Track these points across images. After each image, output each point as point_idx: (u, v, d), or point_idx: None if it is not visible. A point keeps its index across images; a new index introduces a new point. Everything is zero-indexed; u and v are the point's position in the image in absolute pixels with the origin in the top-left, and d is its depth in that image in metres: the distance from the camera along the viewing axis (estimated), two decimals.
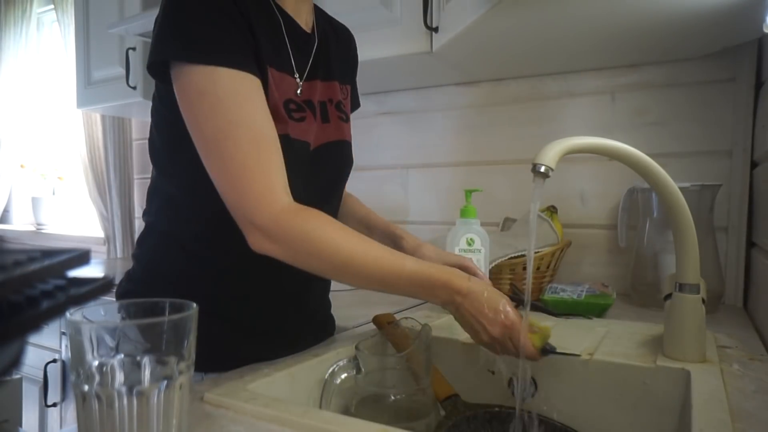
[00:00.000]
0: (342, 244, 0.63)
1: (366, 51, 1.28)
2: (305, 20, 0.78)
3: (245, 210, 0.62)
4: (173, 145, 0.71)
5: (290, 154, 0.67)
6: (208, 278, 0.73)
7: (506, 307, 0.67)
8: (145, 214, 0.79)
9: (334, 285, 1.36)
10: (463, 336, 0.83)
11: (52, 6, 2.35)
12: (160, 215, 0.76)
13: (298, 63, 0.75)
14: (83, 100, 1.95)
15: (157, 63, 0.65)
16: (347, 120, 0.83)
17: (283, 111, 0.70)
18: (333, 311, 0.92)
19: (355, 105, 0.93)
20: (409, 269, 0.65)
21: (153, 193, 0.78)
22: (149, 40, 1.66)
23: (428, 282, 0.66)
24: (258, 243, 0.63)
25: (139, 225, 2.26)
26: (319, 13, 0.85)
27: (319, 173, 0.77)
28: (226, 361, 0.70)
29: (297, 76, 0.74)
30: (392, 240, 0.87)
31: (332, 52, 0.82)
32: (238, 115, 0.62)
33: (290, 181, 0.68)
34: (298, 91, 0.74)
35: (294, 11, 0.75)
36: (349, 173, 0.86)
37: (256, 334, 0.75)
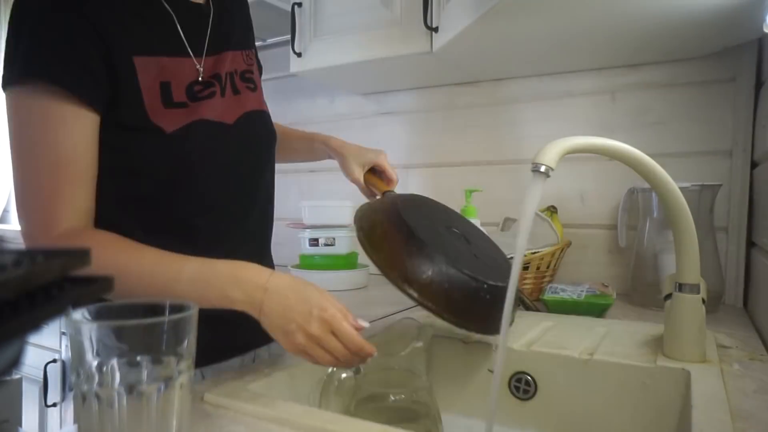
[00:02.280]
0: (107, 261, 0.57)
1: (366, 51, 1.29)
2: None
3: (24, 232, 0.63)
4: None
5: (211, 137, 0.67)
6: None
7: (321, 297, 0.58)
8: None
9: (331, 287, 1.36)
10: (462, 335, 0.83)
11: None
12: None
13: (192, 42, 0.71)
14: None
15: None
16: (255, 89, 0.80)
17: (185, 96, 0.68)
18: None
19: (259, 69, 0.88)
20: (190, 268, 0.58)
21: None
22: None
23: (216, 278, 0.57)
24: None
25: None
26: None
27: (244, 149, 0.75)
28: (222, 354, 0.71)
29: (194, 56, 0.71)
30: (308, 140, 0.94)
31: (228, 18, 0.78)
32: (42, 136, 0.60)
33: (212, 167, 0.69)
34: (200, 75, 0.71)
35: None
36: (274, 147, 0.83)
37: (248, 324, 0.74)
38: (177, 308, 0.43)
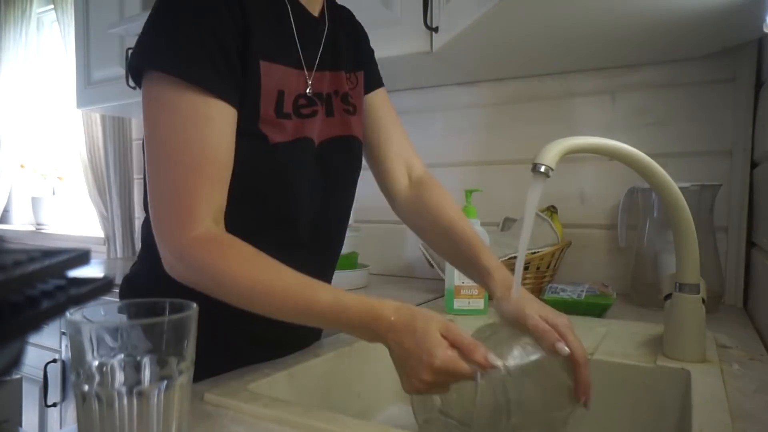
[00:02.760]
0: (241, 276, 0.58)
1: None
2: (315, 5, 0.74)
3: (159, 230, 0.61)
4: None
5: (295, 153, 0.66)
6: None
7: (433, 341, 0.54)
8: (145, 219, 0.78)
9: (335, 286, 1.36)
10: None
11: (52, 6, 2.35)
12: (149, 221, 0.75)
13: (306, 55, 0.71)
14: (83, 100, 1.95)
15: (133, 68, 0.63)
16: (354, 113, 0.78)
17: (291, 108, 0.68)
18: None
19: (378, 83, 0.87)
20: (321, 303, 0.58)
21: (144, 198, 0.76)
22: None
23: (345, 317, 0.58)
24: (166, 262, 0.61)
25: (139, 225, 2.26)
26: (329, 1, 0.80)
27: (323, 171, 0.74)
28: (230, 367, 0.69)
29: (306, 70, 0.71)
30: (476, 270, 0.74)
31: (340, 38, 0.78)
32: (189, 134, 0.59)
33: (293, 181, 0.68)
34: (308, 90, 0.71)
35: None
36: (355, 174, 0.82)
37: (261, 339, 0.73)
38: (177, 308, 0.43)
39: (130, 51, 1.72)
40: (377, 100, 0.86)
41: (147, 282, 0.76)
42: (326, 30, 0.75)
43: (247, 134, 0.64)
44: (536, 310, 0.62)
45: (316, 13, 0.74)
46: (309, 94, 0.71)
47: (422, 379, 0.54)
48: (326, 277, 0.81)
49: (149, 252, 0.74)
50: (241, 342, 0.73)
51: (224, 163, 0.62)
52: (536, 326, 0.60)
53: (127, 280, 0.80)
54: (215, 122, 0.60)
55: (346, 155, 0.78)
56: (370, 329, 0.57)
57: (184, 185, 0.59)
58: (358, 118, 0.79)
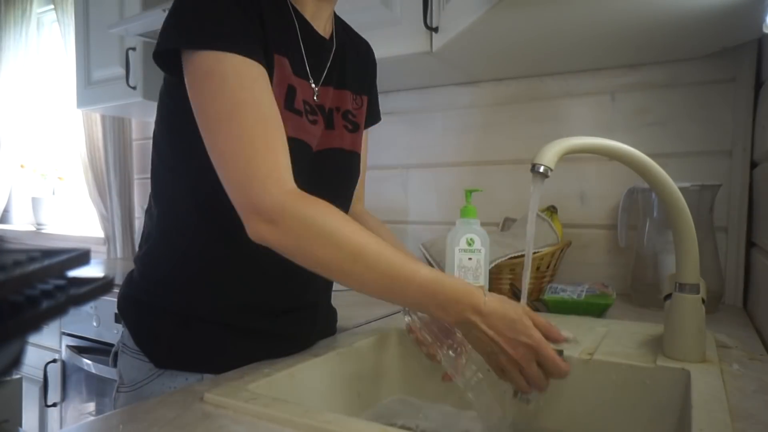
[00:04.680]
0: (350, 235, 0.59)
1: None
2: (323, 26, 0.77)
3: (250, 192, 0.59)
4: (176, 135, 0.71)
5: (293, 152, 0.66)
6: (209, 285, 0.72)
7: (528, 324, 0.61)
8: (147, 214, 0.79)
9: (335, 285, 1.36)
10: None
11: (52, 6, 2.35)
12: (162, 216, 0.75)
13: (313, 68, 0.74)
14: (83, 100, 1.95)
15: (163, 52, 0.64)
16: (355, 130, 0.81)
17: (302, 107, 0.70)
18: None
19: (375, 119, 0.92)
20: (423, 275, 0.60)
21: (155, 191, 0.77)
22: (149, 40, 1.66)
23: (442, 293, 0.60)
24: (259, 230, 0.59)
25: (139, 225, 2.26)
26: (339, 23, 0.84)
27: (317, 179, 0.74)
28: (234, 365, 0.70)
29: (312, 81, 0.74)
30: None
31: (349, 60, 0.81)
32: (244, 95, 0.61)
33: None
34: (315, 96, 0.74)
35: (312, 16, 0.75)
36: (351, 186, 0.83)
37: (262, 338, 0.74)
38: None
39: (130, 51, 1.72)
40: (364, 135, 0.89)
41: (142, 291, 0.75)
42: (334, 50, 0.78)
43: None
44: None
45: (324, 34, 0.77)
46: (313, 104, 0.73)
47: (514, 358, 0.60)
48: (315, 281, 0.80)
49: (159, 242, 0.74)
50: (240, 335, 0.73)
51: (279, 118, 0.63)
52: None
53: (124, 285, 0.78)
54: (260, 82, 0.62)
55: (341, 167, 0.80)
56: (460, 307, 0.60)
57: (260, 142, 0.60)
58: (358, 136, 0.82)
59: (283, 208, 0.58)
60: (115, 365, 0.78)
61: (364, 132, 0.89)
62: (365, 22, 1.30)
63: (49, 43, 2.73)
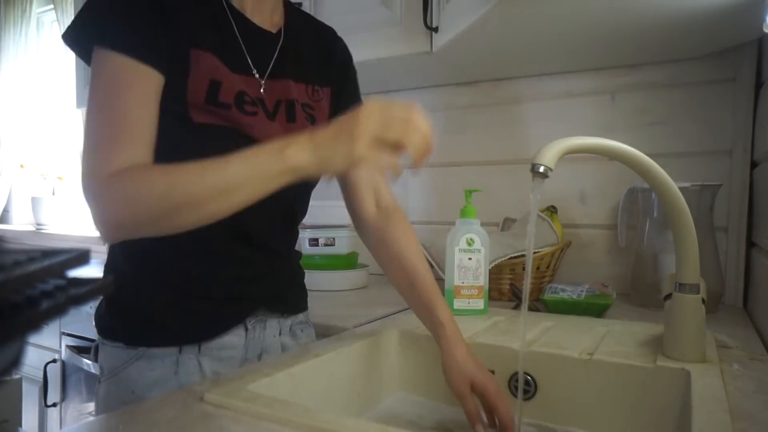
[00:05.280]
0: (157, 178, 0.59)
1: (366, 51, 1.29)
2: (269, 19, 0.78)
3: (83, 181, 0.62)
4: None
5: (235, 148, 0.61)
6: (173, 258, 0.74)
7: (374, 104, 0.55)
8: None
9: (331, 287, 1.36)
10: (463, 336, 0.83)
11: (52, 6, 2.35)
12: None
13: (256, 61, 0.75)
14: (83, 100, 1.95)
15: (71, 41, 0.68)
16: (314, 123, 0.80)
17: (233, 100, 0.70)
18: (332, 311, 0.92)
19: (354, 103, 0.89)
20: (236, 158, 0.57)
21: None
22: None
23: (265, 148, 0.57)
24: (95, 219, 0.61)
25: None
26: (296, 15, 0.84)
27: None
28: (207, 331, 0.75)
29: (257, 73, 0.74)
30: (429, 319, 0.76)
31: (306, 52, 0.81)
32: (111, 99, 0.63)
33: None
34: (261, 89, 0.74)
35: (252, 10, 0.76)
36: (311, 181, 0.82)
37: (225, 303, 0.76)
38: None
39: None
40: None
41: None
42: (281, 42, 0.78)
43: (171, 111, 0.67)
44: (469, 376, 0.70)
45: (269, 26, 0.78)
46: (254, 96, 0.73)
47: (390, 115, 0.54)
48: (277, 272, 0.83)
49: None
50: (191, 300, 0.75)
51: (142, 124, 0.64)
52: (469, 412, 0.69)
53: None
54: (135, 87, 0.64)
55: None
56: (292, 141, 0.57)
57: (100, 143, 0.63)
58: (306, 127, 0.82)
59: (100, 187, 0.61)
60: (96, 360, 0.81)
61: None
62: (365, 22, 1.30)
63: (49, 43, 2.73)
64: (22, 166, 2.78)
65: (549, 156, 0.61)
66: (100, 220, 0.61)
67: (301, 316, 0.89)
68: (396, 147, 0.54)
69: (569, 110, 1.36)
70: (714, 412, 0.53)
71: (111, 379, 0.74)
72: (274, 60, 0.77)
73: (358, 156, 0.54)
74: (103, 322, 0.78)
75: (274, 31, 0.78)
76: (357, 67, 0.91)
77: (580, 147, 0.65)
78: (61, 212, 2.62)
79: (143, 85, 0.65)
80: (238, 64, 0.72)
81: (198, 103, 0.67)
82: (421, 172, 1.59)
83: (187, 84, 0.67)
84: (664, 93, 1.25)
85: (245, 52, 0.74)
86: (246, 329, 0.79)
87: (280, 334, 0.84)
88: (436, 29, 1.18)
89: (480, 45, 1.17)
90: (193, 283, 0.75)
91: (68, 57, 2.22)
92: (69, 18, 2.23)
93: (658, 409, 0.69)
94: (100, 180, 0.61)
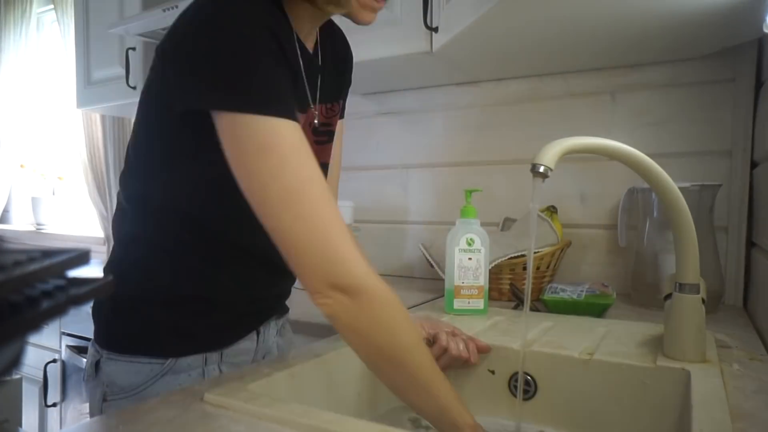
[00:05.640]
0: (403, 333, 0.60)
1: (366, 51, 1.29)
2: (312, 40, 0.75)
3: (330, 270, 0.57)
4: (161, 164, 0.69)
5: None
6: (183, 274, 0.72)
7: None
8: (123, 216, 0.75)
9: None
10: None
11: (52, 6, 2.35)
12: (139, 218, 0.73)
13: (311, 90, 0.73)
14: (83, 100, 1.95)
15: (195, 111, 0.59)
16: (329, 141, 0.81)
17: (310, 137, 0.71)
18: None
19: (344, 111, 0.89)
20: (441, 403, 0.61)
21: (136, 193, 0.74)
22: (149, 40, 1.66)
23: (449, 420, 0.61)
24: (334, 300, 0.58)
25: None
26: (325, 34, 0.79)
27: None
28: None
29: (312, 104, 0.74)
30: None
31: (330, 71, 0.80)
32: (307, 171, 0.58)
33: None
34: (316, 119, 0.74)
35: (306, 36, 0.71)
36: None
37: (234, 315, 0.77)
38: None
39: (130, 51, 1.72)
40: (336, 130, 0.87)
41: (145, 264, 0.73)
42: (319, 65, 0.76)
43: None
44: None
45: (311, 47, 0.74)
46: (317, 126, 0.74)
47: None
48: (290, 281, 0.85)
49: (138, 238, 0.73)
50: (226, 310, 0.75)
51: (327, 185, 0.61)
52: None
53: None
54: (310, 151, 0.59)
55: None
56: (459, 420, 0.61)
57: (333, 222, 0.58)
58: (331, 146, 0.82)
59: (365, 284, 0.58)
60: (95, 374, 0.73)
61: (341, 122, 0.88)
62: None
63: (49, 43, 2.73)
64: (22, 166, 2.78)
65: (549, 156, 0.61)
66: (340, 307, 0.58)
67: (285, 315, 0.91)
68: None
69: (569, 110, 1.36)
70: (714, 412, 0.53)
71: (132, 398, 0.69)
72: (319, 87, 0.75)
73: None
74: (111, 333, 0.73)
75: (312, 51, 0.74)
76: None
77: (580, 147, 0.65)
78: (61, 212, 2.62)
79: (307, 143, 0.60)
80: (302, 99, 0.71)
81: None
82: (421, 172, 1.59)
83: None
84: (664, 93, 1.25)
85: (306, 83, 0.71)
86: (258, 333, 0.81)
87: (277, 334, 0.86)
88: (436, 29, 1.18)
89: (480, 45, 1.17)
90: (219, 296, 0.74)
91: (68, 57, 2.22)
92: (69, 18, 2.23)
93: (658, 409, 0.69)
94: (367, 274, 0.59)
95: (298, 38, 0.68)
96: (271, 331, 0.84)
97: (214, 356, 0.74)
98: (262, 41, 0.58)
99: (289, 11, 0.66)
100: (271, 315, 0.84)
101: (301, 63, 0.69)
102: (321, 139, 0.78)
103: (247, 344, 0.79)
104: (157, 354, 0.70)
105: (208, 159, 0.62)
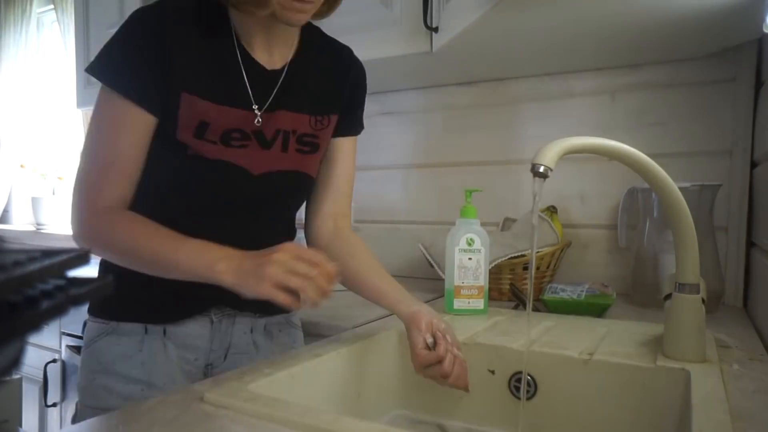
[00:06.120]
0: (124, 235, 0.71)
1: (366, 51, 1.28)
2: (277, 54, 0.79)
3: (71, 213, 0.73)
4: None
5: (228, 177, 0.76)
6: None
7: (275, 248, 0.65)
8: None
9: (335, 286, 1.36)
10: (463, 336, 0.83)
11: (52, 6, 2.35)
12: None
13: (257, 96, 0.78)
14: (83, 100, 1.95)
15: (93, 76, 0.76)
16: (313, 151, 0.84)
17: (218, 138, 0.75)
18: (331, 312, 0.92)
19: (353, 130, 0.91)
20: (190, 246, 0.69)
21: None
22: None
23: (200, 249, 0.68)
24: (73, 237, 0.74)
25: None
26: (312, 43, 0.84)
27: (263, 198, 0.81)
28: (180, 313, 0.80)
29: (256, 107, 0.77)
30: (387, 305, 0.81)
31: (313, 83, 0.82)
32: (106, 138, 0.73)
33: (227, 200, 0.78)
34: (256, 121, 0.77)
35: (260, 47, 0.78)
36: (297, 203, 0.89)
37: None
38: None
39: None
40: (343, 146, 0.90)
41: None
42: (283, 77, 0.80)
43: (168, 141, 0.74)
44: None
45: (276, 62, 0.80)
46: (247, 130, 0.77)
47: (278, 260, 0.63)
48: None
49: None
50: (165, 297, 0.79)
51: (131, 164, 0.74)
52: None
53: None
54: (130, 128, 0.73)
55: (289, 185, 0.83)
56: (222, 260, 0.67)
57: (90, 180, 0.73)
58: (315, 157, 0.85)
59: (80, 227, 0.73)
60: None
61: (350, 140, 0.91)
62: (365, 22, 1.30)
63: (49, 43, 2.73)
64: (22, 166, 2.78)
65: (549, 156, 0.61)
66: (76, 241, 0.74)
67: (280, 318, 0.90)
68: (294, 292, 0.63)
69: (569, 110, 1.36)
70: (714, 412, 0.53)
71: (86, 350, 0.82)
72: (273, 94, 0.79)
73: (261, 293, 0.63)
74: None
75: (279, 66, 0.80)
76: (361, 93, 0.92)
77: (580, 147, 0.65)
78: (61, 212, 2.62)
79: (137, 126, 0.73)
80: (239, 101, 0.76)
81: (187, 140, 0.74)
82: (421, 172, 1.59)
83: (178, 124, 0.73)
84: (664, 93, 1.25)
85: (248, 88, 0.77)
86: (211, 321, 0.83)
87: (252, 332, 0.86)
88: (436, 29, 1.18)
89: (480, 45, 1.17)
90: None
91: (68, 57, 2.22)
92: (69, 18, 2.23)
93: (658, 409, 0.69)
94: (87, 214, 0.72)
95: (239, 43, 0.76)
96: (237, 326, 0.84)
97: (156, 329, 0.80)
98: (133, 34, 0.73)
99: (233, 19, 0.77)
100: (220, 301, 0.82)
101: (242, 65, 0.77)
102: (303, 149, 0.82)
103: (196, 328, 0.82)
104: (102, 316, 0.81)
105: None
